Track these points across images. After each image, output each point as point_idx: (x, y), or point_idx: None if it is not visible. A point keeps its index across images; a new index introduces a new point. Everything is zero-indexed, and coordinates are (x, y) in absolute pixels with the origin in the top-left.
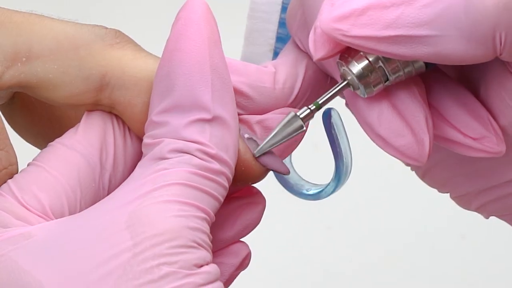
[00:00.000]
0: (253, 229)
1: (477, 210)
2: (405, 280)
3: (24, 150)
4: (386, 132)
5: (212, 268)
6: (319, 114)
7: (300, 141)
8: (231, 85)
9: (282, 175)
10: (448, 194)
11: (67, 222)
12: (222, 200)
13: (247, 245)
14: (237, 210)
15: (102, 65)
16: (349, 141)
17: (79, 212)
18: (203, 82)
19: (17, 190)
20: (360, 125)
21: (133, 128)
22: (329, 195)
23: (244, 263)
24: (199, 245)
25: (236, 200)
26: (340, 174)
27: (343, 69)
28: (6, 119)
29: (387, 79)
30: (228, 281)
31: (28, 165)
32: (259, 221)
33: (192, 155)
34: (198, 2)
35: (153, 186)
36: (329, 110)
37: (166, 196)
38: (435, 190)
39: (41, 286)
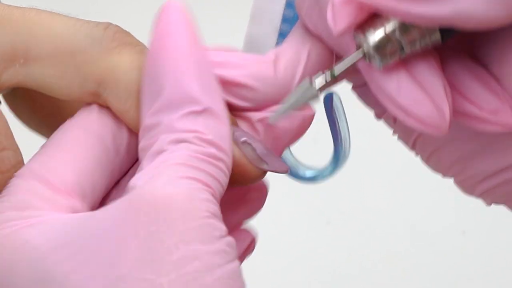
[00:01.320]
0: (255, 214)
1: (480, 195)
2: (405, 275)
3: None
4: (406, 101)
5: (230, 244)
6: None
7: (306, 130)
8: (216, 79)
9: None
10: (452, 180)
11: (87, 217)
12: (224, 186)
13: (252, 232)
14: (240, 196)
15: (98, 74)
16: (349, 129)
17: (98, 192)
18: (190, 76)
19: (38, 171)
20: (378, 96)
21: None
22: (325, 177)
23: (249, 248)
24: (213, 215)
25: (239, 187)
26: (338, 157)
27: (360, 40)
28: (9, 107)
29: (403, 50)
30: None
31: (41, 147)
32: (262, 207)
33: (190, 142)
34: (176, 3)
35: (158, 167)
36: (331, 94)
37: (173, 174)
38: (435, 186)
39: (65, 277)
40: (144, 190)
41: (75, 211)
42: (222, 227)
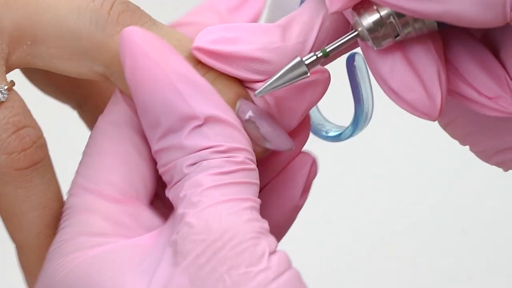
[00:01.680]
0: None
1: (496, 165)
2: (405, 273)
3: None
4: (398, 85)
5: (281, 257)
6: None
7: (322, 96)
8: (204, 82)
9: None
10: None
11: (137, 243)
12: (258, 182)
13: (309, 153)
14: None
15: (104, 58)
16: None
17: (149, 179)
18: (177, 97)
19: (89, 184)
20: (373, 76)
21: None
22: (347, 138)
23: (312, 170)
24: (259, 233)
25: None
26: (358, 119)
27: (355, 20)
28: (25, 74)
29: (398, 35)
30: (305, 191)
31: (83, 154)
32: (309, 133)
33: (208, 159)
34: (130, 32)
35: (189, 199)
36: (353, 54)
37: (208, 202)
38: (435, 184)
39: None
40: (185, 229)
41: (134, 217)
42: (271, 242)
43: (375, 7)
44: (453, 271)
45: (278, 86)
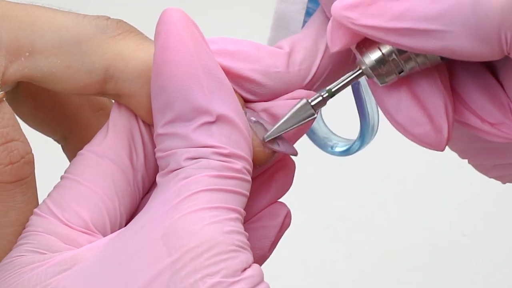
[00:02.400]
0: (286, 191)
1: (494, 178)
2: (405, 278)
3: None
4: (404, 120)
5: (256, 270)
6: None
7: (310, 127)
8: (228, 82)
9: (311, 128)
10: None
11: (109, 246)
12: (247, 194)
13: (284, 204)
14: (270, 176)
15: (105, 59)
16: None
17: (120, 220)
18: (198, 87)
19: (56, 210)
20: (380, 109)
21: (142, 117)
22: (354, 153)
23: (285, 222)
24: (238, 247)
25: (267, 168)
26: (365, 133)
27: (359, 59)
28: (11, 107)
29: (402, 70)
30: (274, 243)
31: (61, 178)
32: (291, 183)
33: (208, 159)
34: (174, 12)
35: (179, 197)
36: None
37: (195, 205)
38: (435, 189)
39: None
40: (168, 229)
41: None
42: (248, 257)
43: (376, 45)
44: (454, 276)
45: (286, 129)
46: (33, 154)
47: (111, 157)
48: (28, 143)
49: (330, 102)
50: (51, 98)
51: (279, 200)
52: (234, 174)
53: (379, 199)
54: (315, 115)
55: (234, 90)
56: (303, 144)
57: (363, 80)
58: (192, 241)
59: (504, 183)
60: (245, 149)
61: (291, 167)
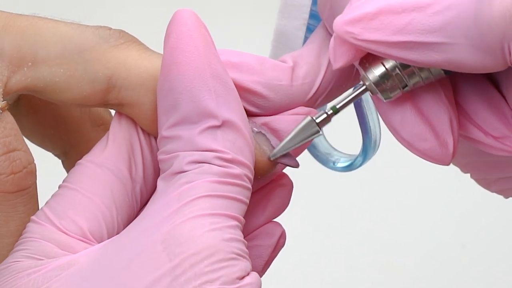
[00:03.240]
0: (283, 211)
1: (496, 192)
2: None
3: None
4: (409, 136)
5: (254, 278)
6: None
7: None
8: (234, 88)
9: (313, 143)
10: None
11: (106, 249)
12: (247, 201)
13: (280, 225)
14: (267, 194)
15: (108, 67)
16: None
17: (117, 230)
18: (206, 91)
19: (54, 217)
20: (385, 124)
21: (143, 126)
22: (356, 168)
23: (280, 242)
24: (237, 255)
25: (265, 185)
26: (367, 149)
27: (362, 75)
28: None
29: (406, 85)
30: (268, 262)
31: (59, 187)
32: (288, 203)
33: (211, 163)
34: (186, 13)
35: (179, 202)
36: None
37: (196, 211)
38: (435, 199)
39: None
40: (168, 235)
41: None
42: (247, 266)
43: (380, 60)
44: (452, 286)
45: (291, 146)
46: (35, 164)
47: (110, 167)
48: (30, 153)
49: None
50: (52, 113)
51: (274, 220)
52: (235, 181)
53: (379, 209)
54: (320, 133)
55: None
56: (304, 153)
57: (365, 95)
58: (192, 247)
59: (506, 197)
60: (248, 156)
61: (289, 187)
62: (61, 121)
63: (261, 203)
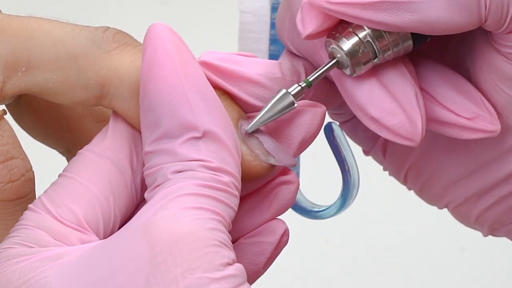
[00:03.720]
0: (288, 208)
1: (477, 221)
2: None
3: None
4: (378, 112)
5: (238, 269)
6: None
7: (316, 136)
8: (215, 98)
9: (296, 201)
10: (446, 209)
11: (96, 246)
12: (236, 208)
13: (283, 222)
14: (272, 191)
15: (100, 75)
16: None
17: (113, 219)
18: (184, 103)
19: (50, 205)
20: (350, 106)
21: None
22: (338, 212)
23: (282, 240)
24: (221, 243)
25: (270, 181)
26: (348, 187)
27: (332, 48)
28: (14, 119)
29: (376, 57)
30: (270, 260)
31: (59, 176)
32: (294, 201)
33: (195, 171)
34: (160, 27)
35: (164, 199)
36: (330, 125)
37: (180, 205)
38: None
39: None
40: (150, 223)
41: (85, 243)
42: (230, 255)
43: (351, 30)
44: None
45: (267, 119)
46: (33, 172)
47: (109, 156)
48: (28, 160)
49: (312, 176)
50: (53, 111)
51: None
52: (221, 186)
53: (378, 212)
54: (295, 105)
55: (237, 99)
56: (303, 156)
57: (338, 133)
58: (173, 233)
59: (486, 233)
60: (233, 165)
61: (295, 184)
62: (63, 119)
63: (266, 200)
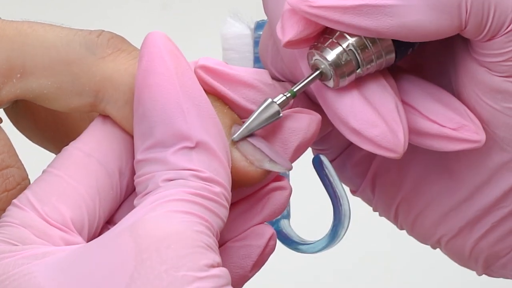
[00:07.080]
0: (279, 215)
1: (471, 254)
2: None
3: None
4: (359, 123)
5: (222, 271)
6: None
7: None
8: (209, 108)
9: (286, 234)
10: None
11: (85, 245)
12: (224, 220)
13: (270, 226)
14: (265, 196)
15: (95, 82)
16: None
17: (98, 221)
18: (179, 112)
19: (36, 202)
20: (331, 119)
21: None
22: (328, 247)
23: (269, 244)
24: (207, 245)
25: (264, 187)
26: (340, 218)
27: (315, 59)
28: (12, 122)
29: (359, 67)
30: (257, 264)
31: (43, 172)
32: (285, 206)
33: (186, 180)
34: (157, 36)
35: (153, 203)
36: (318, 157)
37: (169, 208)
38: None
39: None
40: (137, 223)
41: (68, 244)
42: (216, 258)
43: (335, 40)
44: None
45: (254, 128)
46: (29, 180)
47: (98, 157)
48: (24, 169)
49: (305, 214)
50: (51, 114)
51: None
52: (212, 196)
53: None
54: (281, 114)
55: (234, 104)
56: (300, 159)
57: (327, 164)
58: (160, 231)
59: (480, 272)
60: (224, 177)
61: (288, 190)
62: (60, 122)
63: (258, 205)
